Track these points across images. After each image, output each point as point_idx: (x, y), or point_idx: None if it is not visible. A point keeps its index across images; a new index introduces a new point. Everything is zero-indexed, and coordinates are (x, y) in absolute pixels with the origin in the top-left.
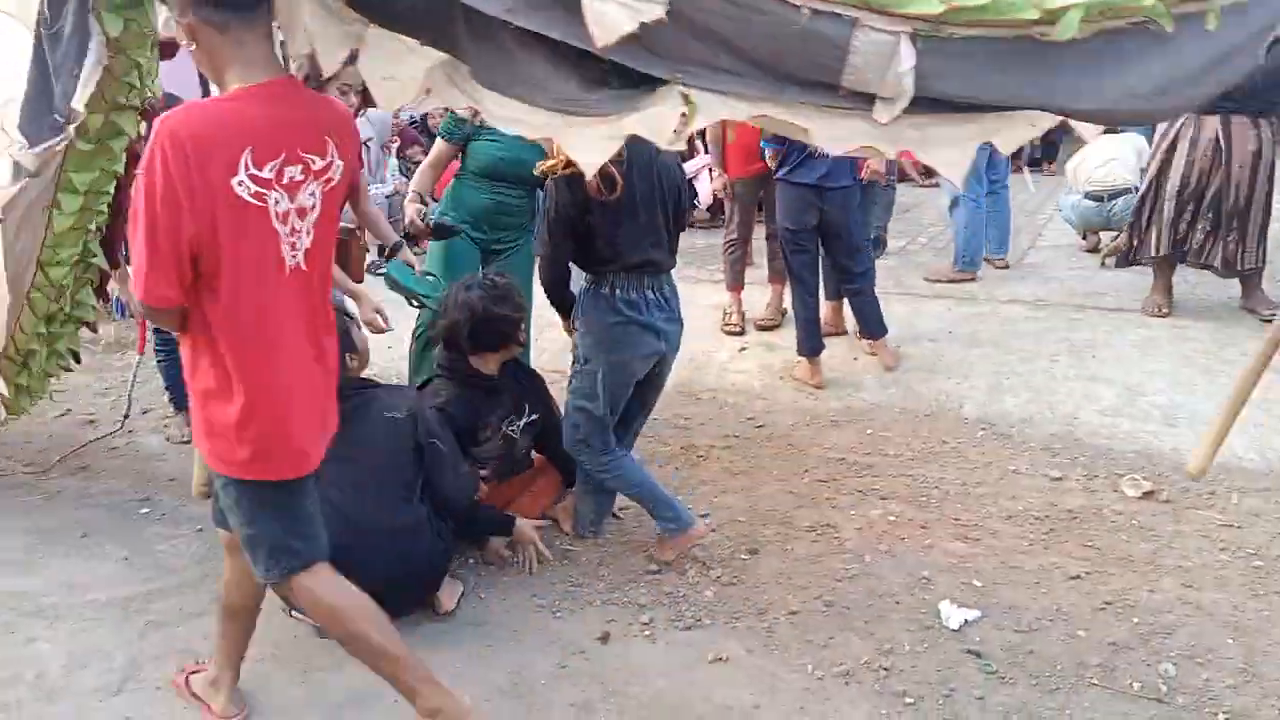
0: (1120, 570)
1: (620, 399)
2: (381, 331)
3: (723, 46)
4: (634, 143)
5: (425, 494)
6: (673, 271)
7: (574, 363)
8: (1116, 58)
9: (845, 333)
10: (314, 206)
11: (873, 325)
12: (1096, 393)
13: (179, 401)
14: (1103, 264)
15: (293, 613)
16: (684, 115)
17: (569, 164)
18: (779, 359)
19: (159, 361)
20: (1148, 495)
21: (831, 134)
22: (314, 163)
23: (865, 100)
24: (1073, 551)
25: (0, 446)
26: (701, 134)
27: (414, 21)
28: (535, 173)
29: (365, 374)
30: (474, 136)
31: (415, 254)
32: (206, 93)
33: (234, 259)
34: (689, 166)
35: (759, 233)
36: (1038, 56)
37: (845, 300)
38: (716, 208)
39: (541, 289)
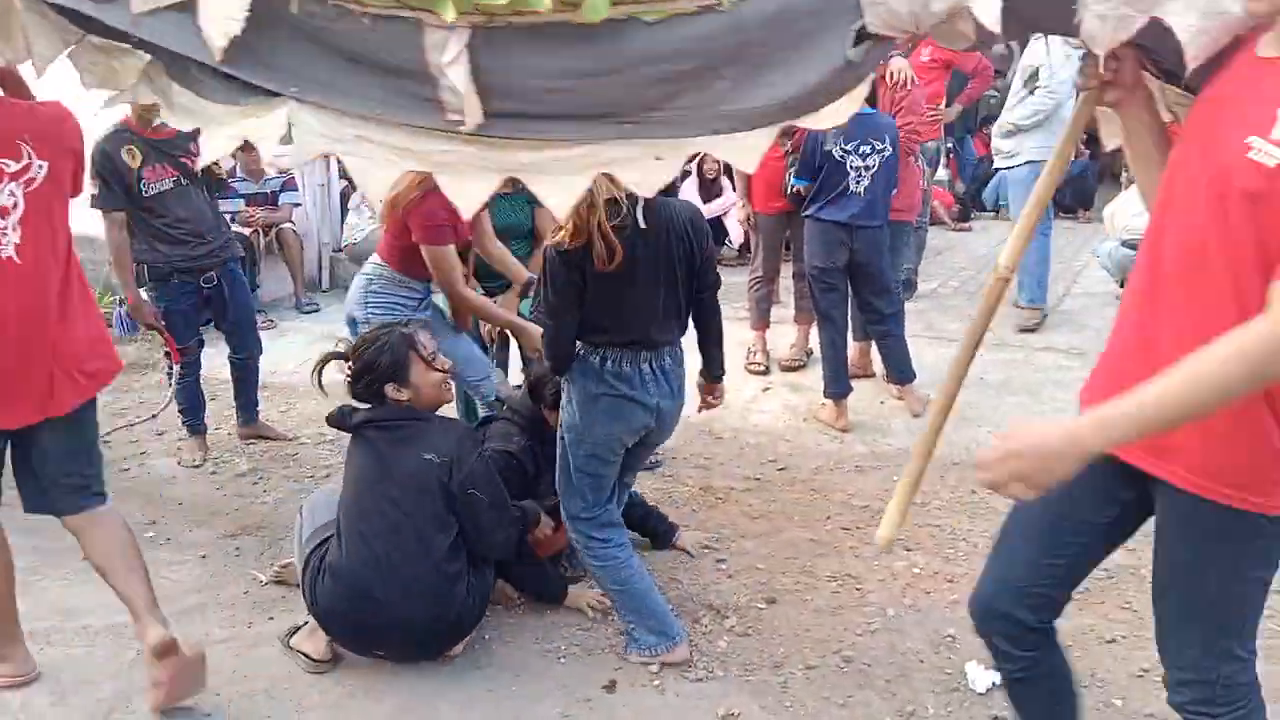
0: None
1: (606, 473)
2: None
3: (324, 59)
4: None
5: (463, 547)
6: (681, 342)
7: (560, 429)
8: (697, 52)
9: (873, 375)
10: (16, 205)
11: (901, 369)
12: None
13: (194, 426)
14: None
15: (289, 644)
16: (283, 136)
17: (571, 234)
18: (804, 400)
19: (177, 385)
20: None
21: (432, 159)
22: (7, 166)
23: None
24: (1109, 613)
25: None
26: (729, 167)
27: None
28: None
29: None
30: None
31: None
32: None
33: None
34: (717, 204)
35: (785, 271)
36: (600, 52)
37: (873, 342)
38: (745, 245)
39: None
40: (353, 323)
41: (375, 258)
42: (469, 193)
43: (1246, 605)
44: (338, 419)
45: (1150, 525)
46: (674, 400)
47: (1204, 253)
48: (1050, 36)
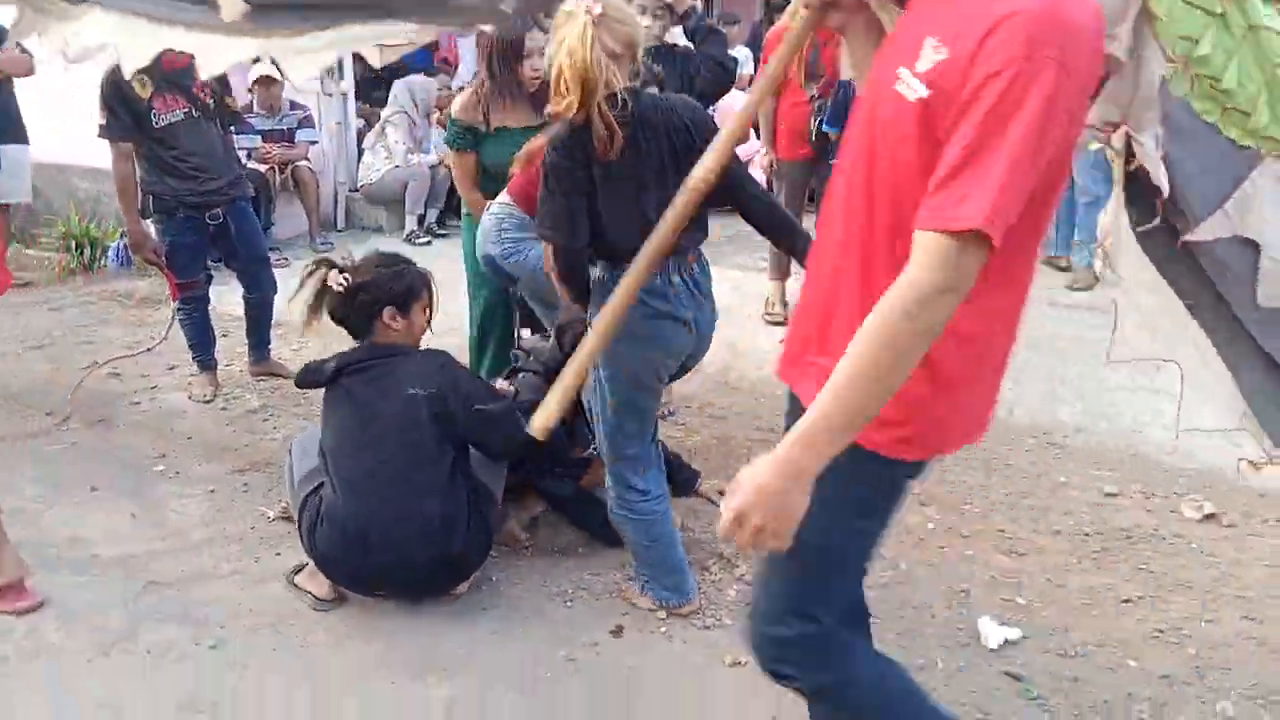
0: (1177, 597)
1: (647, 405)
2: None
3: None
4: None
5: (462, 479)
6: (703, 248)
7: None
8: None
9: None
10: None
11: None
12: (1158, 406)
13: (204, 361)
14: None
15: (293, 582)
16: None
17: (581, 101)
18: None
19: (181, 321)
20: (1209, 518)
21: (194, 44)
22: None
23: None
24: (1125, 574)
25: (24, 394)
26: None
27: None
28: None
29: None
30: (483, 141)
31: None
32: None
33: None
34: (741, 151)
35: (808, 222)
36: None
37: None
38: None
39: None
40: (490, 260)
41: (504, 198)
42: (214, 62)
43: (839, 560)
44: (309, 377)
45: (1176, 486)
46: (708, 312)
47: (853, 187)
48: None
